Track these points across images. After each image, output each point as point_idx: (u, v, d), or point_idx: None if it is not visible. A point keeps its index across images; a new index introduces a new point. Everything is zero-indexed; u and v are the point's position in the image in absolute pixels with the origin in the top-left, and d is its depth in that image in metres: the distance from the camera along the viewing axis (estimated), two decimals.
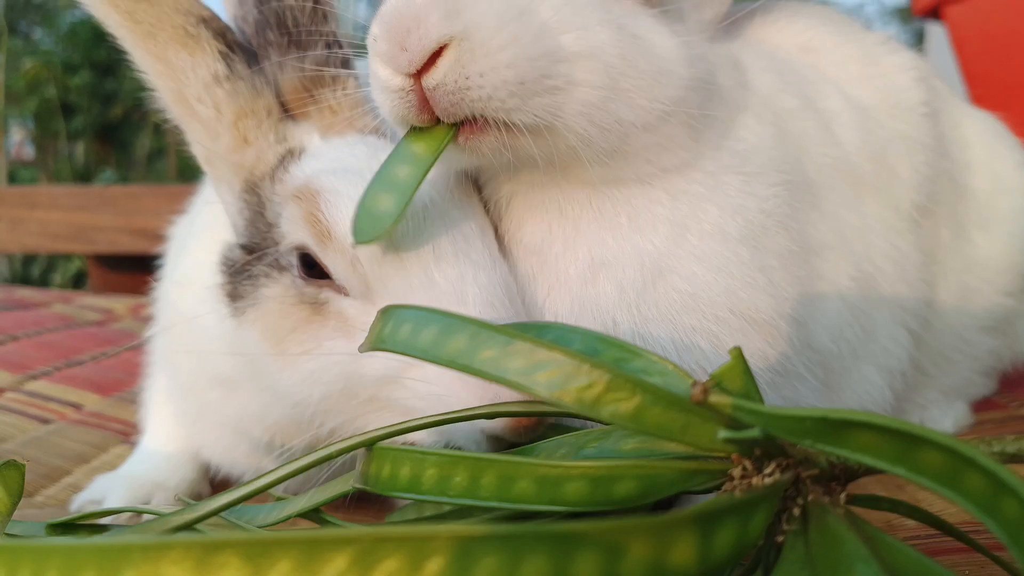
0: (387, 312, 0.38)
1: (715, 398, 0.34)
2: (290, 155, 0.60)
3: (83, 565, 0.28)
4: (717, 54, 0.58)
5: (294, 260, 0.55)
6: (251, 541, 0.27)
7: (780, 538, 0.36)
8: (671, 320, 0.51)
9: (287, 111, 0.62)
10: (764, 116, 0.58)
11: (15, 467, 0.45)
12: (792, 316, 0.54)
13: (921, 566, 0.34)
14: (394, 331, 0.36)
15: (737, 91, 0.57)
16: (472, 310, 0.48)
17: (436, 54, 0.45)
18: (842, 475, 0.39)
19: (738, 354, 0.39)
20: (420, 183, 0.46)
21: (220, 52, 0.60)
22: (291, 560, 0.26)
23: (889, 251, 0.62)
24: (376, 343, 0.37)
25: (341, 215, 0.51)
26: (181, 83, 0.59)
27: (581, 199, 0.52)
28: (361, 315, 0.51)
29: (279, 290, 0.55)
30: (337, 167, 0.55)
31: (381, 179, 0.47)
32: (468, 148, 0.48)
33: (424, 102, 0.46)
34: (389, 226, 0.45)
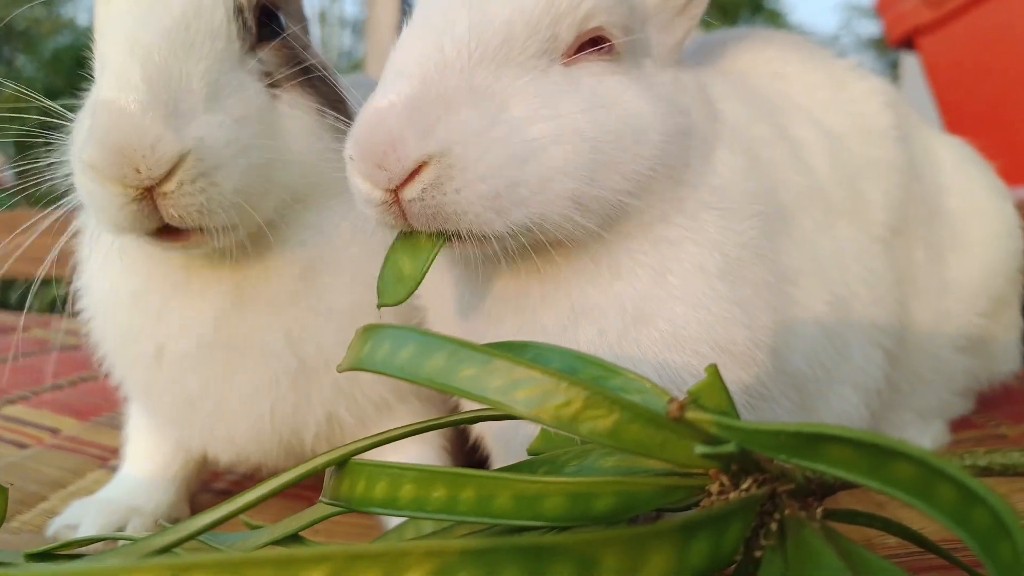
0: (366, 332, 0.38)
1: (692, 414, 0.35)
2: None
3: None
4: (687, 88, 0.58)
5: None
6: (223, 562, 0.26)
7: (759, 553, 0.36)
8: (653, 358, 0.52)
9: None
10: (736, 147, 0.59)
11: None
12: (767, 344, 0.55)
13: None
14: (373, 351, 0.36)
15: (709, 124, 0.58)
16: None
17: (415, 170, 0.45)
18: (818, 490, 0.39)
19: (714, 371, 0.39)
20: (424, 276, 0.47)
21: None
22: None
23: (862, 274, 0.63)
24: (356, 363, 0.37)
25: None
26: None
27: (559, 259, 0.52)
28: None
29: None
30: None
31: (390, 269, 0.48)
32: (457, 252, 0.50)
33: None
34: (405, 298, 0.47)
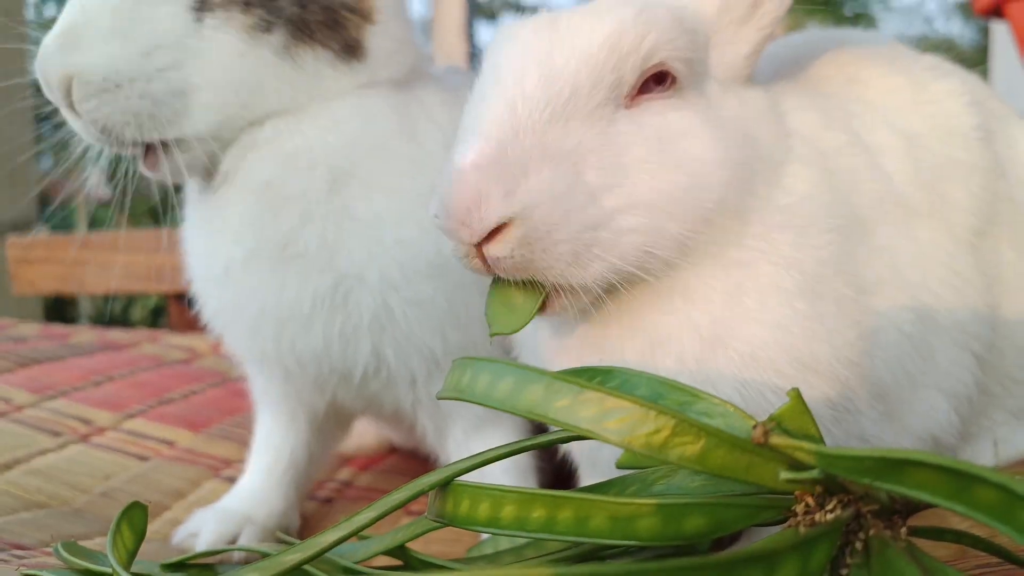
0: (463, 364, 0.41)
1: (775, 439, 0.36)
2: None
3: None
4: (755, 109, 0.59)
5: None
6: None
7: (844, 572, 0.38)
8: (734, 378, 0.53)
9: None
10: (810, 159, 0.59)
11: (139, 508, 0.49)
12: (850, 359, 0.55)
13: None
14: (472, 382, 0.40)
15: (779, 142, 0.59)
16: None
17: (497, 228, 0.48)
18: (903, 509, 0.41)
19: (796, 395, 0.41)
20: (536, 312, 0.51)
21: None
22: None
23: (946, 276, 0.63)
24: (455, 392, 0.41)
25: None
26: None
27: (633, 293, 0.54)
28: None
29: None
30: None
31: (499, 299, 0.52)
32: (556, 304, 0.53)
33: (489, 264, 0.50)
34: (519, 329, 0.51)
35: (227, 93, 0.68)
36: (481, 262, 0.50)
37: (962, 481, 0.33)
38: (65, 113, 0.68)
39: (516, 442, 0.46)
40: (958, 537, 0.44)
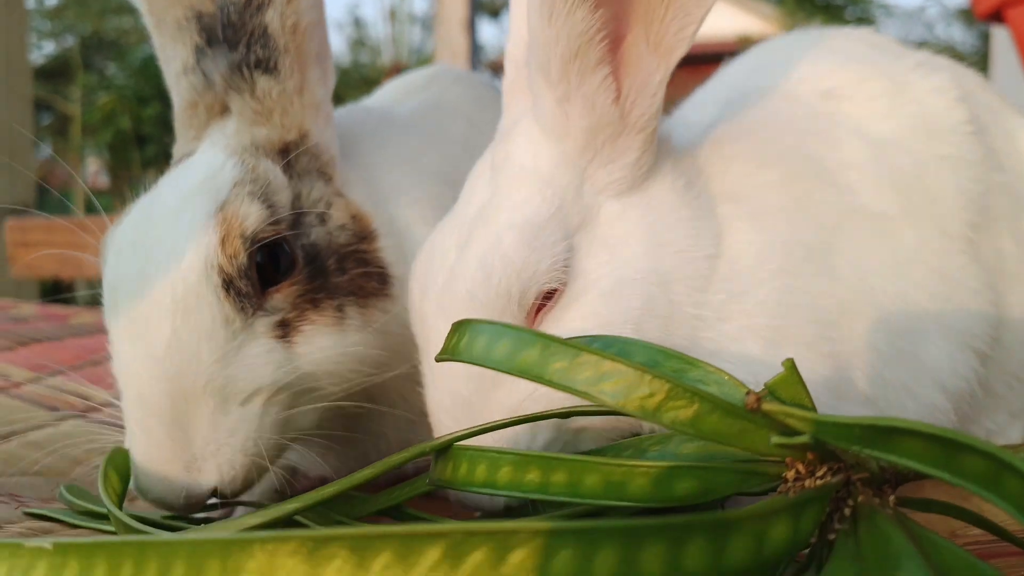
0: (461, 325, 0.42)
1: (768, 406, 0.37)
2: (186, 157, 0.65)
3: (208, 555, 0.32)
4: (659, 211, 0.57)
5: None
6: (357, 535, 0.30)
7: (832, 536, 0.39)
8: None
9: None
10: (737, 215, 0.59)
11: (122, 452, 0.52)
12: (826, 389, 0.56)
13: (968, 565, 0.36)
14: (470, 343, 0.40)
15: (703, 225, 0.58)
16: None
17: None
18: (892, 479, 0.41)
19: (791, 365, 0.41)
20: None
21: (196, 45, 0.64)
22: (392, 552, 0.29)
23: (934, 278, 0.62)
24: (454, 355, 0.41)
25: None
26: (167, 72, 0.67)
27: None
28: None
29: None
30: None
31: None
32: None
33: None
34: None
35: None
36: None
37: (950, 449, 0.34)
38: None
39: (520, 416, 0.47)
40: (945, 509, 0.45)
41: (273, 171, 0.63)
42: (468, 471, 0.41)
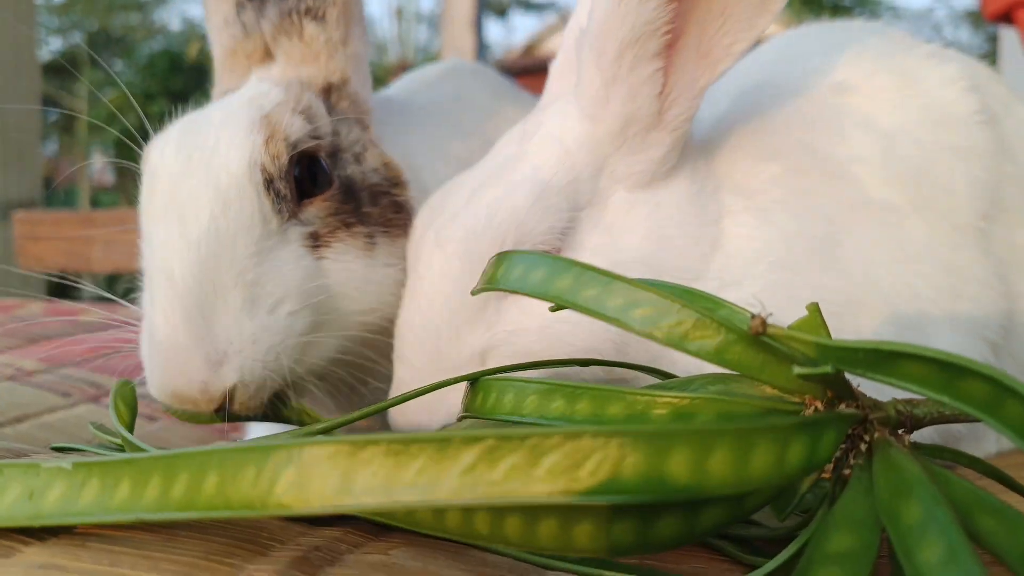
0: (500, 257, 0.44)
1: (773, 329, 0.37)
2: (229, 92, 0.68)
3: (243, 464, 0.33)
4: (668, 210, 0.59)
5: None
6: (393, 439, 0.31)
7: (847, 471, 0.40)
8: None
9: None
10: (741, 207, 0.59)
11: (128, 384, 0.53)
12: None
13: (979, 498, 0.37)
14: (507, 272, 0.42)
15: (706, 227, 0.59)
16: None
17: None
18: (908, 422, 0.43)
19: (815, 308, 0.42)
20: None
21: (237, 1, 0.69)
22: (427, 456, 0.31)
23: (943, 271, 0.62)
24: (492, 283, 0.43)
25: None
26: (209, 26, 0.71)
27: None
28: None
29: None
30: None
31: None
32: None
33: None
34: None
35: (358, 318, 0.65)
36: None
37: (952, 373, 0.34)
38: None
39: (548, 360, 0.48)
40: (955, 456, 0.46)
41: (316, 102, 0.66)
42: (496, 401, 0.42)
